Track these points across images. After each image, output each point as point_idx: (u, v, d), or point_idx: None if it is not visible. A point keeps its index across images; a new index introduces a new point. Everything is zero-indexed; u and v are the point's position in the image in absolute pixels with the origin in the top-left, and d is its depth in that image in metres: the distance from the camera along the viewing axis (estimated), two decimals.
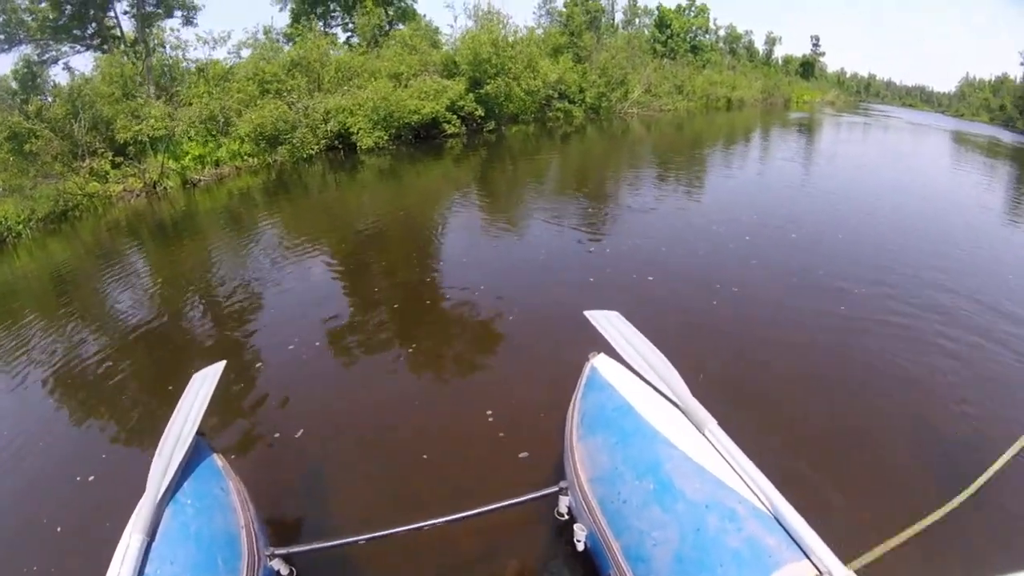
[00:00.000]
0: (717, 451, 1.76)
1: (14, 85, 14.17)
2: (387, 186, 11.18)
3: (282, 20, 22.51)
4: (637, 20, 35.53)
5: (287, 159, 13.21)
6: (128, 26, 16.28)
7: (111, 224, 9.66)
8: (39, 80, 14.83)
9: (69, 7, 15.17)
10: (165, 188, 11.51)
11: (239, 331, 4.55)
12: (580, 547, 1.87)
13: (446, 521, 2.02)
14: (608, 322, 2.55)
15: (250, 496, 1.92)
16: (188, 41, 15.42)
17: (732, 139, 18.60)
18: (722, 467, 1.69)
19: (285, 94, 13.71)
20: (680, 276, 5.23)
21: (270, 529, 2.05)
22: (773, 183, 10.65)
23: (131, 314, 5.16)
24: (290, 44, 17.98)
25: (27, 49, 14.98)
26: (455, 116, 15.77)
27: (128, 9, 16.15)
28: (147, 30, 15.83)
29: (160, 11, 16.68)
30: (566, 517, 2.03)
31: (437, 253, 6.58)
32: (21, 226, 9.02)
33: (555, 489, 2.06)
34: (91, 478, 2.80)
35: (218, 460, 1.97)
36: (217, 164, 12.64)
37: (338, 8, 22.45)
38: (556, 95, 20.01)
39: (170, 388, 3.47)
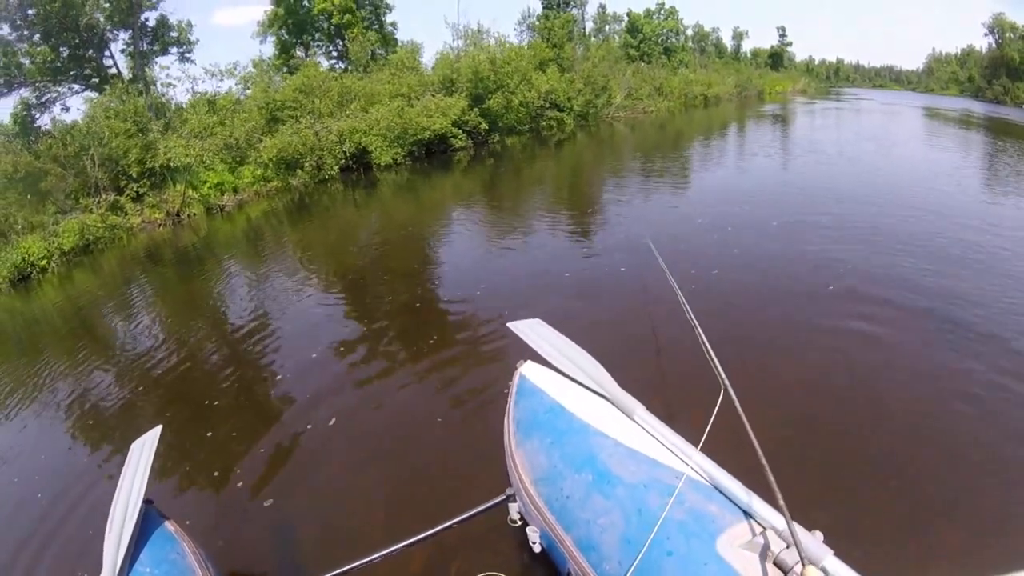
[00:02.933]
0: (649, 433, 1.85)
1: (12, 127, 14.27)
2: (403, 201, 11.60)
3: (266, 51, 22.81)
4: (607, 27, 36.73)
5: (306, 181, 13.57)
6: (124, 64, 16.45)
7: (134, 255, 9.82)
8: (37, 122, 14.93)
9: (66, 48, 15.28)
10: (189, 216, 11.73)
11: (263, 345, 4.87)
12: (536, 548, 1.90)
13: (402, 547, 2.10)
14: (531, 330, 2.61)
15: (208, 556, 1.94)
16: (193, 76, 15.58)
17: (710, 135, 19.33)
18: (655, 447, 1.78)
19: (300, 119, 14.07)
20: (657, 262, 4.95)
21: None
22: (752, 176, 10.95)
23: (159, 343, 5.34)
24: (279, 74, 18.48)
25: (26, 92, 15.08)
26: (461, 131, 16.41)
27: (125, 47, 16.34)
28: (144, 68, 16.03)
29: (156, 48, 16.94)
30: (519, 522, 2.03)
31: (454, 262, 6.92)
32: (46, 261, 9.17)
33: (502, 498, 2.09)
34: None
35: (170, 525, 1.98)
36: (235, 190, 12.91)
37: (323, 37, 22.94)
38: (548, 105, 20.71)
39: (206, 402, 3.73)
